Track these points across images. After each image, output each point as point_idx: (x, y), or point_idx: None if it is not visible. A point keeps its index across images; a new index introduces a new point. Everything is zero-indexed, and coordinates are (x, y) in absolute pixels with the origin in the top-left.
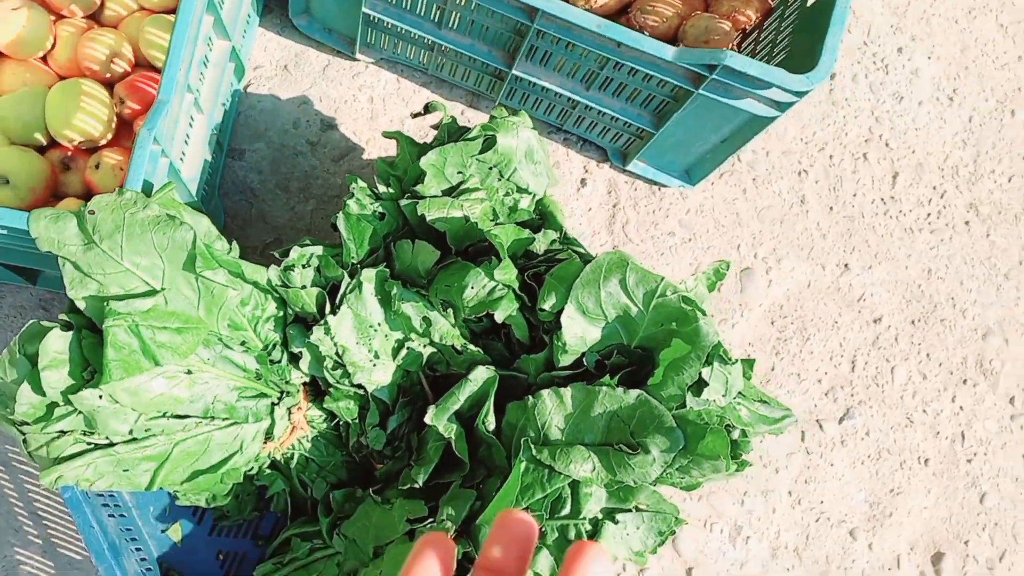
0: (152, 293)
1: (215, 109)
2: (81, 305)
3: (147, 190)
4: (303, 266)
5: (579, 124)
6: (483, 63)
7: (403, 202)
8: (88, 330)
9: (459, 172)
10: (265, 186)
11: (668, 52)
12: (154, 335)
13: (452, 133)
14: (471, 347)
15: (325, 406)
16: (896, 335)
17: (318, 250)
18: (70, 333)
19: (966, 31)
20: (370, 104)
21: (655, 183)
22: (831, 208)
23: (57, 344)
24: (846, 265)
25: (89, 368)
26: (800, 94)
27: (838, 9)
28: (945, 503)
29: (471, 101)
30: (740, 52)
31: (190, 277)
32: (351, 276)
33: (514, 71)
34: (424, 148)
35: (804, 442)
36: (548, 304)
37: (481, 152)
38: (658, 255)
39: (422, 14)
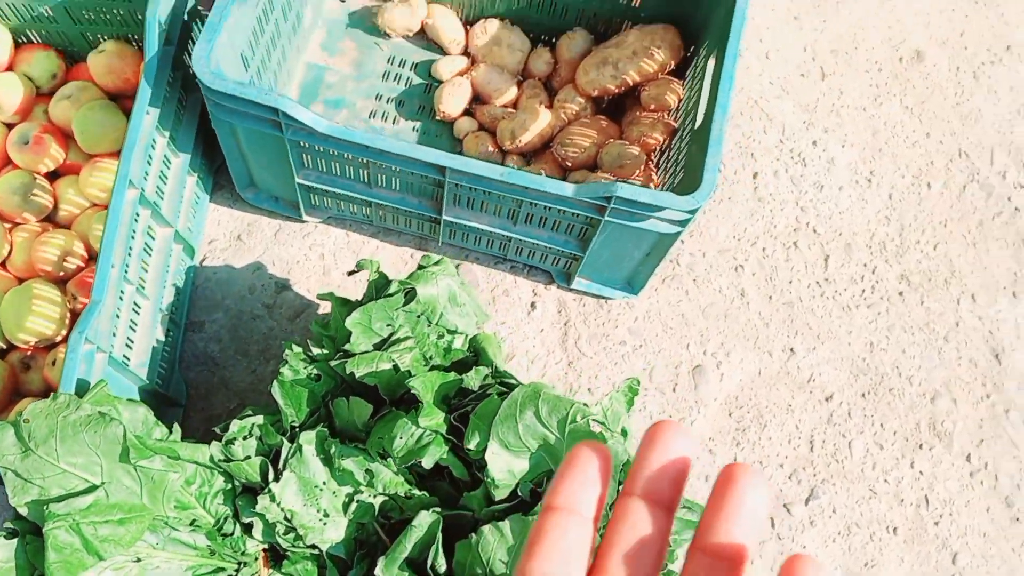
0: (92, 489)
1: (164, 292)
2: (24, 511)
3: (83, 389)
4: (245, 437)
5: (520, 253)
6: (417, 213)
7: (334, 362)
8: (32, 535)
9: (388, 325)
10: (225, 353)
11: (568, 189)
12: (95, 530)
13: (380, 288)
14: (417, 492)
15: (283, 571)
16: (849, 410)
17: (259, 419)
18: (15, 540)
19: (875, 117)
20: (321, 261)
21: (601, 297)
22: (770, 297)
23: (2, 553)
24: (792, 349)
25: (37, 572)
26: (693, 211)
27: (714, 133)
28: (920, 569)
29: (419, 244)
30: (656, 168)
31: (128, 468)
32: (291, 441)
33: (444, 217)
34: (353, 306)
35: (774, 528)
36: (473, 444)
37: (405, 305)
38: (612, 365)
39: (351, 177)
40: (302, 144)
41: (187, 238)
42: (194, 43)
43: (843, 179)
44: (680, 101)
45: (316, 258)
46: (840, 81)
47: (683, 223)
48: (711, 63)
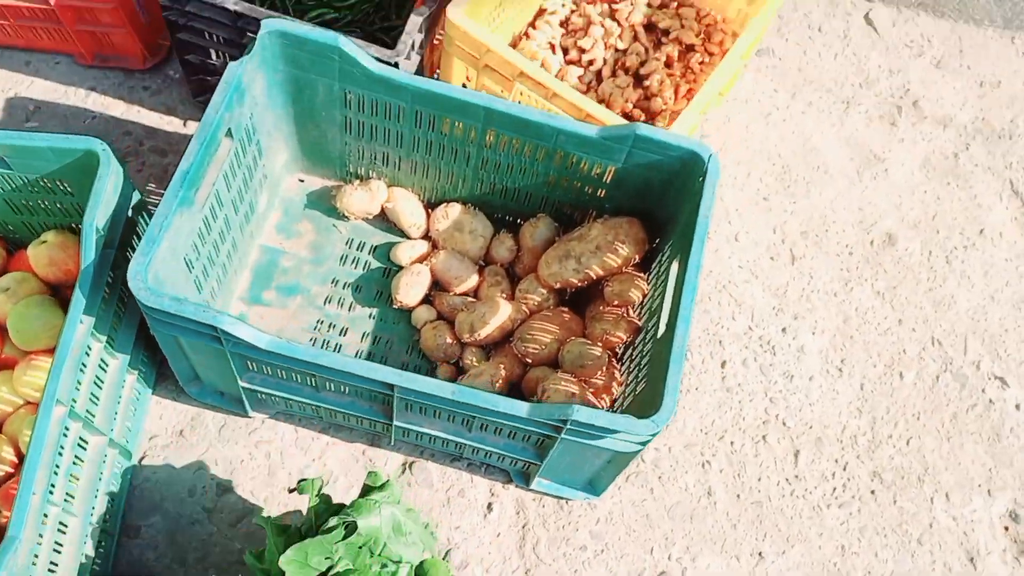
0: None
1: (96, 503)
2: None
3: None
4: None
5: (476, 453)
6: (368, 418)
7: None
8: None
9: (327, 558)
10: (162, 562)
11: (522, 410)
12: None
13: (320, 514)
14: None
15: None
16: None
17: None
18: None
19: (846, 302)
20: (267, 460)
21: (561, 497)
22: (738, 496)
23: None
24: (760, 553)
25: None
26: (653, 434)
27: (675, 350)
28: None
29: (372, 440)
30: (619, 365)
31: None
32: None
33: (395, 423)
34: (290, 536)
35: None
36: None
37: (345, 538)
38: (572, 573)
39: (298, 382)
40: (244, 353)
41: (123, 443)
42: (139, 237)
43: (813, 368)
44: (644, 296)
45: (262, 457)
46: (810, 265)
47: (643, 443)
48: (675, 266)
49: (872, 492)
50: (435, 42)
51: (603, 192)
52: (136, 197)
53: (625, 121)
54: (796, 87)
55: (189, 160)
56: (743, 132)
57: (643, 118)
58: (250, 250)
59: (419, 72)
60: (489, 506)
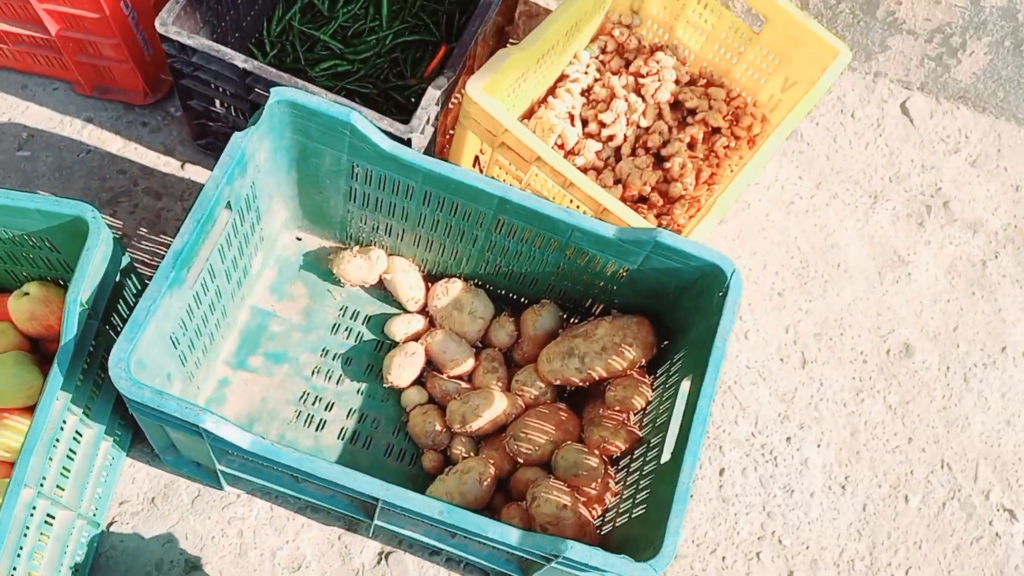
0: None
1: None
2: None
3: None
4: None
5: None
6: (347, 515)
7: None
8: None
9: None
10: None
11: (513, 537)
12: None
13: None
14: None
15: None
16: None
17: None
18: None
19: (855, 414)
20: (239, 538)
21: None
22: None
23: None
24: None
25: None
26: None
27: (680, 489)
28: None
29: (349, 525)
30: (614, 474)
31: None
32: None
33: (376, 522)
34: None
35: None
36: None
37: None
38: None
39: (279, 471)
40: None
41: (91, 514)
42: (125, 304)
43: (816, 484)
44: (647, 404)
45: (234, 534)
46: (822, 371)
47: None
48: (685, 385)
49: None
50: (451, 105)
51: (614, 288)
52: (125, 261)
53: (645, 223)
54: (822, 176)
55: (184, 239)
56: (762, 220)
57: (660, 203)
58: (240, 312)
59: (432, 138)
60: None
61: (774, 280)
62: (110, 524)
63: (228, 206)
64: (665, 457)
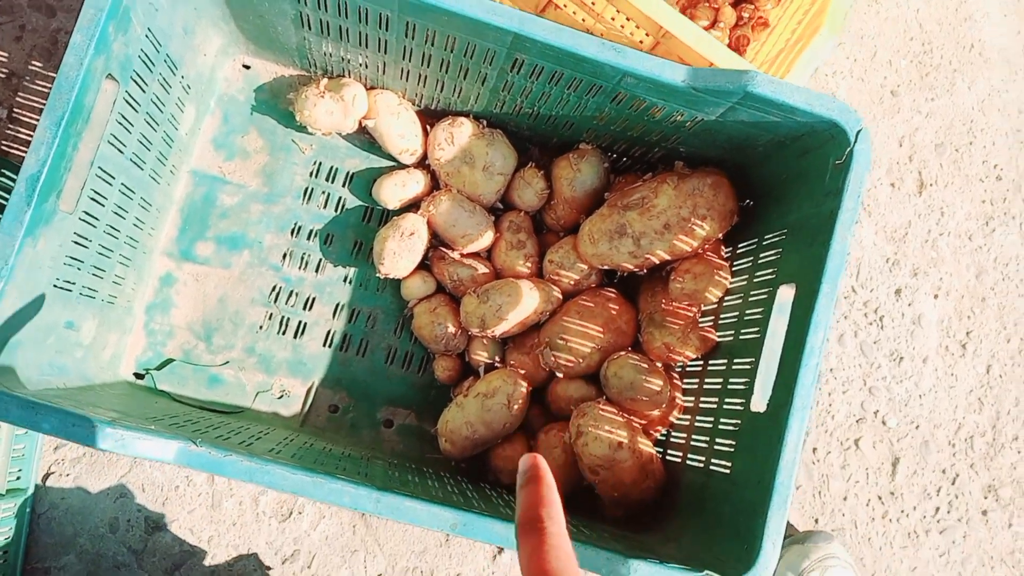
0: None
1: None
2: None
3: None
4: None
5: None
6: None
7: None
8: None
9: None
10: None
11: None
12: None
13: None
14: None
15: None
16: None
17: None
18: None
19: (982, 249)
20: (210, 485)
21: None
22: (815, 520)
23: None
24: None
25: None
26: None
27: (781, 483)
28: None
29: None
30: (681, 390)
31: None
32: None
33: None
34: None
35: None
36: None
37: None
38: None
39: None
40: None
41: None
42: None
43: (930, 346)
44: (725, 294)
45: (203, 481)
46: (943, 195)
47: None
48: (786, 293)
49: (983, 513)
50: None
51: (679, 137)
52: None
53: (726, 56)
54: None
55: (39, 154)
56: None
57: None
58: (176, 181)
59: None
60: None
61: (887, 74)
62: (45, 477)
63: (111, 76)
64: (758, 406)
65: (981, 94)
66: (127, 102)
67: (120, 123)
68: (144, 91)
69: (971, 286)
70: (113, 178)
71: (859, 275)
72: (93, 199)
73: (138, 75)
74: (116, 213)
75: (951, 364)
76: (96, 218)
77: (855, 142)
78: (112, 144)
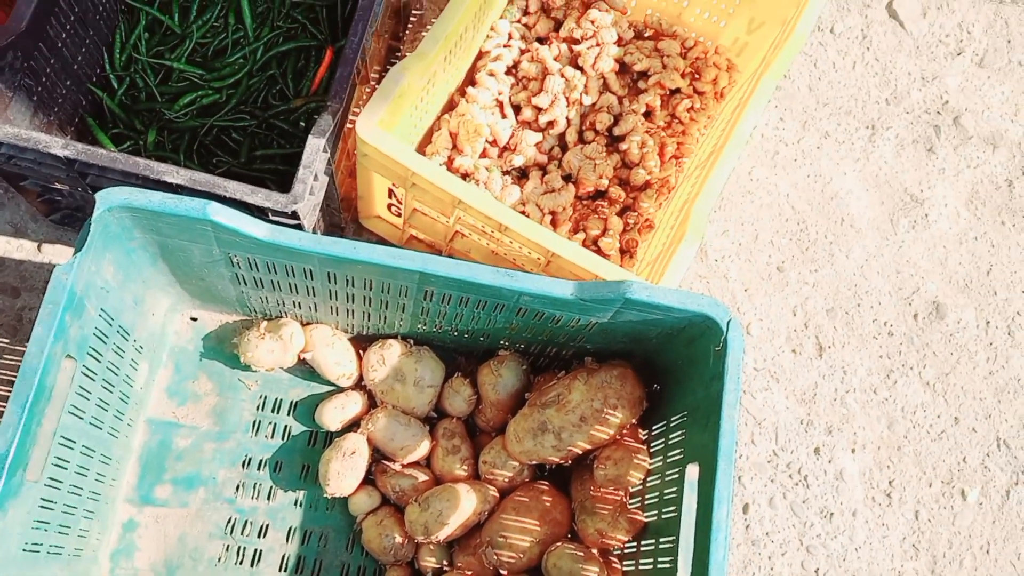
0: None
1: None
2: None
3: None
4: None
5: None
6: None
7: None
8: None
9: None
10: None
11: None
12: None
13: None
14: None
15: None
16: None
17: None
18: None
19: (888, 401)
20: None
21: None
22: None
23: None
24: None
25: None
26: None
27: None
28: None
29: None
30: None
31: None
32: None
33: None
34: None
35: None
36: None
37: None
38: None
39: None
40: None
41: None
42: None
43: (856, 499)
44: (647, 475)
45: None
46: (842, 356)
47: None
48: (692, 472)
49: None
50: (350, 124)
51: (583, 337)
52: None
53: (608, 268)
54: (807, 113)
55: (6, 438)
56: (746, 180)
57: (622, 196)
58: (133, 432)
59: (330, 180)
60: None
61: (770, 252)
62: None
63: (69, 356)
64: (682, 572)
65: (859, 260)
66: (85, 374)
67: (79, 394)
68: (100, 361)
69: (885, 436)
70: (74, 442)
71: (778, 439)
72: (57, 465)
73: (94, 349)
74: (79, 473)
75: (880, 514)
76: (60, 481)
77: (727, 330)
78: (73, 413)
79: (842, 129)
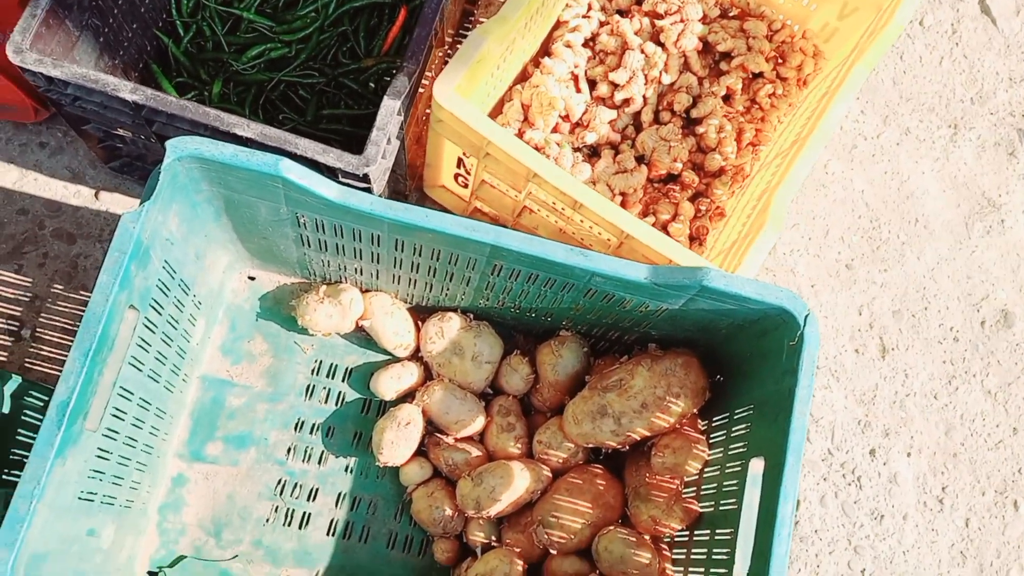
0: None
1: None
2: None
3: None
4: None
5: None
6: None
7: None
8: None
9: None
10: None
11: None
12: None
13: None
14: None
15: None
16: None
17: None
18: None
19: (948, 407)
20: None
21: None
22: None
23: None
24: None
25: None
26: None
27: None
28: None
29: None
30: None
31: None
32: None
33: None
34: None
35: None
36: None
37: None
38: None
39: None
40: None
41: None
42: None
43: (908, 503)
44: (705, 465)
45: None
46: (905, 359)
47: None
48: (756, 465)
49: None
50: (421, 89)
51: (649, 323)
52: (15, 383)
53: (682, 253)
54: (889, 107)
55: (69, 383)
56: (821, 173)
57: (695, 181)
58: (187, 389)
59: (401, 146)
60: None
61: (840, 249)
62: None
63: (132, 307)
64: (740, 571)
65: (930, 263)
66: (146, 326)
67: (139, 345)
68: (160, 314)
69: (942, 443)
70: (132, 394)
71: (834, 437)
72: (115, 415)
73: (156, 302)
74: (134, 425)
75: (930, 520)
76: (117, 432)
77: (804, 325)
78: (132, 365)
79: (924, 126)
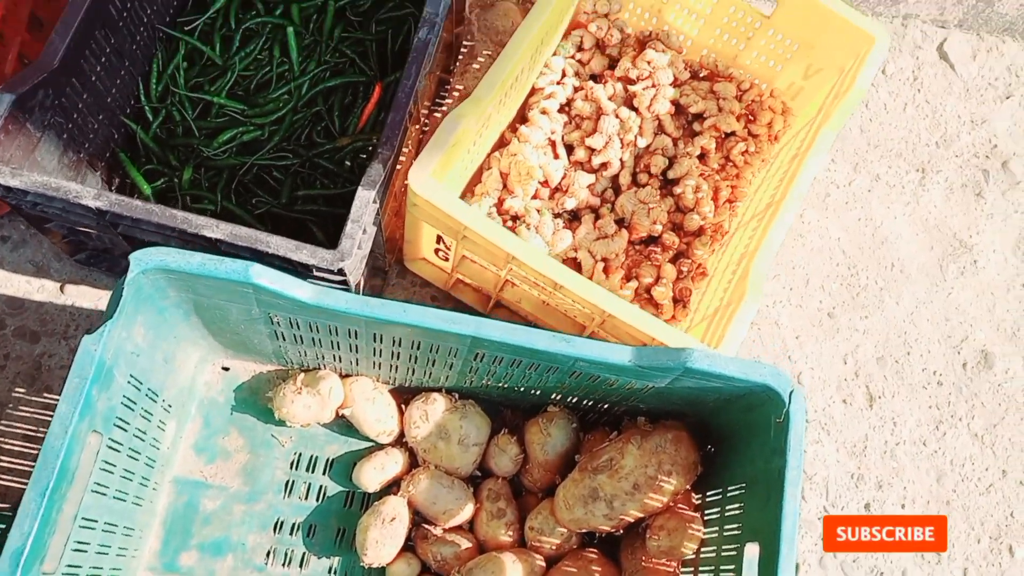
0: None
1: None
2: None
3: None
4: None
5: None
6: None
7: None
8: None
9: None
10: None
11: None
12: None
13: None
14: None
15: None
16: None
17: None
18: None
19: (937, 454)
20: None
21: None
22: None
23: None
24: None
25: None
26: None
27: None
28: None
29: None
30: None
31: None
32: None
33: None
34: None
35: None
36: None
37: None
38: None
39: None
40: None
41: None
42: None
43: (906, 557)
44: (701, 545)
45: None
46: (892, 406)
47: None
48: (751, 551)
49: None
50: (399, 167)
51: (636, 399)
52: None
53: (664, 331)
54: (859, 155)
55: (24, 527)
56: (797, 223)
57: (676, 242)
58: (158, 495)
59: (377, 232)
60: None
61: (821, 298)
62: None
63: (95, 431)
64: None
65: (908, 307)
66: (110, 447)
67: (104, 469)
68: (126, 430)
69: (934, 491)
70: (95, 521)
71: (828, 494)
72: (76, 550)
73: (121, 419)
74: (99, 552)
75: (929, 573)
76: (79, 566)
77: (789, 403)
78: (95, 491)
79: (893, 172)
